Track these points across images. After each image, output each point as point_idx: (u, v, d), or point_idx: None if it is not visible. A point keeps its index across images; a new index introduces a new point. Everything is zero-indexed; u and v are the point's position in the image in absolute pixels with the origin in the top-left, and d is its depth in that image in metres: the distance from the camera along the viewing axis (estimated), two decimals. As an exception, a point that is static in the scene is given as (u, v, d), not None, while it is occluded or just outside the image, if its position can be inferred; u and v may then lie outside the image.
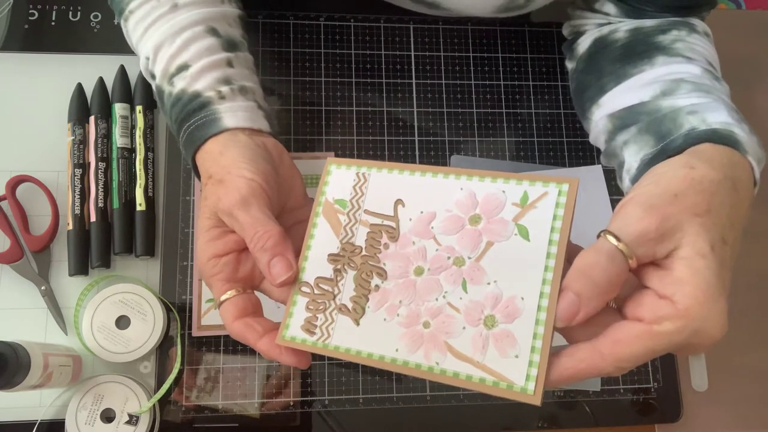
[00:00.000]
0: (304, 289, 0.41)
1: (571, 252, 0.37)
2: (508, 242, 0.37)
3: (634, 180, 0.48)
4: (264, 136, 0.47)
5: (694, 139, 0.43)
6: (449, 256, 0.38)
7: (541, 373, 0.34)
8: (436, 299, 0.38)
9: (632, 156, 0.50)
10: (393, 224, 0.41)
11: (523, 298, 0.35)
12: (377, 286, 0.39)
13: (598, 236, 0.36)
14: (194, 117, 0.47)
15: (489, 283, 0.37)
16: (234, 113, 0.46)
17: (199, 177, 0.48)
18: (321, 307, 0.40)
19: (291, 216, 0.46)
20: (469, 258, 0.38)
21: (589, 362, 0.34)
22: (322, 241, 0.42)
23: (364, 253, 0.40)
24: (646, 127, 0.49)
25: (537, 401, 0.34)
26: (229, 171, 0.43)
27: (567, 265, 0.35)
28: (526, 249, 0.37)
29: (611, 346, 0.34)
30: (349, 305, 0.39)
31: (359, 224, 0.41)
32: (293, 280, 0.41)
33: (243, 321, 0.41)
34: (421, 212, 0.40)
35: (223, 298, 0.42)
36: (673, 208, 0.35)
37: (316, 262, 0.41)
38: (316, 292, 0.41)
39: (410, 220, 0.40)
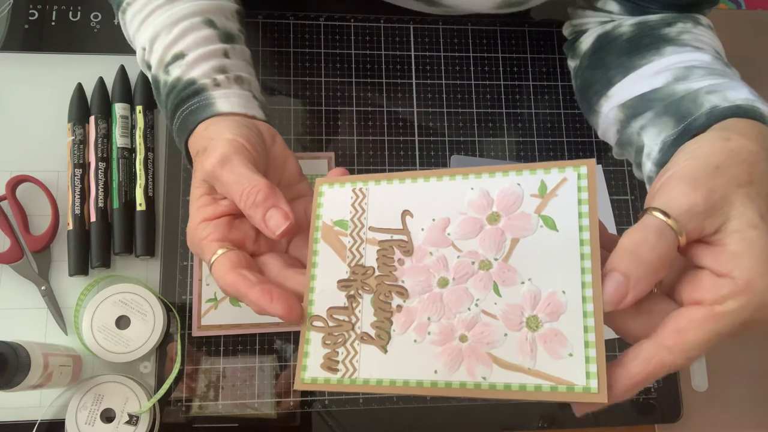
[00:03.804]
0: (316, 323, 0.38)
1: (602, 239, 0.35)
2: (535, 236, 0.35)
3: (658, 162, 0.47)
4: (257, 120, 0.47)
5: (717, 116, 0.42)
6: (473, 261, 0.36)
7: (601, 367, 0.32)
8: (468, 309, 0.35)
9: (652, 139, 0.48)
10: (404, 237, 0.38)
11: (564, 292, 0.33)
12: (399, 306, 0.36)
13: (642, 215, 0.34)
14: (188, 103, 0.47)
15: (523, 282, 0.34)
16: (228, 99, 0.46)
17: (191, 164, 0.47)
18: (340, 340, 0.37)
19: (287, 192, 0.45)
20: (496, 259, 0.35)
21: (658, 360, 0.32)
22: (327, 268, 0.39)
23: (377, 273, 0.37)
24: (663, 110, 0.48)
25: (603, 399, 0.31)
26: (211, 138, 0.43)
27: (602, 252, 0.34)
28: (556, 240, 0.34)
29: (675, 337, 0.32)
30: (372, 332, 0.36)
31: (366, 243, 0.38)
32: (293, 230, 0.39)
33: (237, 271, 0.38)
34: (433, 220, 0.37)
35: (213, 258, 0.39)
36: (717, 180, 0.34)
37: (324, 292, 0.38)
38: (330, 324, 0.37)
39: (422, 230, 0.37)
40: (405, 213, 0.38)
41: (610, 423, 0.64)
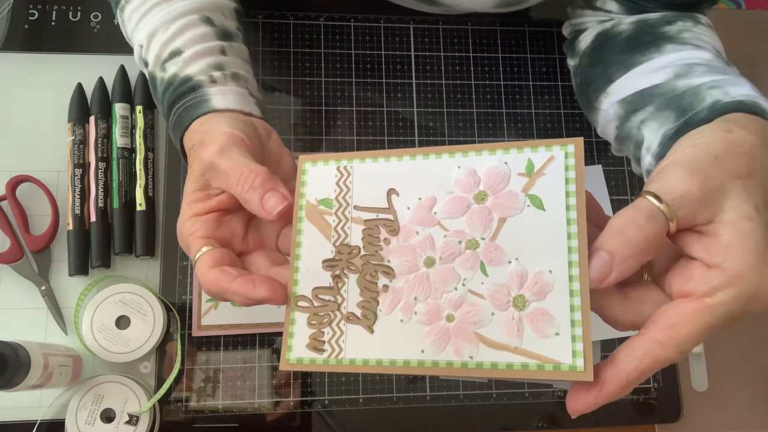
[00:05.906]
0: (301, 303, 0.37)
1: (592, 215, 0.34)
2: (522, 215, 0.35)
3: (657, 155, 0.47)
4: (253, 117, 0.47)
5: (719, 111, 0.42)
6: (460, 240, 0.35)
7: (587, 346, 0.32)
8: (455, 288, 0.35)
9: (652, 133, 0.48)
10: (390, 216, 0.37)
11: (551, 271, 0.33)
12: (386, 286, 0.36)
13: (636, 198, 0.34)
14: (184, 99, 0.47)
15: (510, 262, 0.34)
16: (224, 96, 0.46)
17: (186, 161, 0.47)
18: (325, 320, 0.36)
19: None
20: (483, 239, 0.35)
21: (651, 355, 0.32)
22: (311, 247, 0.38)
23: (363, 252, 0.37)
24: (665, 104, 0.48)
25: (589, 377, 0.31)
26: (208, 132, 0.43)
27: (593, 229, 0.34)
28: (543, 219, 0.34)
29: (667, 332, 0.32)
30: (358, 312, 0.36)
31: (351, 222, 0.38)
32: (290, 212, 0.38)
33: (219, 268, 0.38)
34: (419, 198, 0.37)
35: (198, 255, 0.39)
36: (715, 169, 0.34)
37: (309, 272, 0.38)
38: (316, 304, 0.37)
39: (408, 209, 0.37)
40: (391, 191, 0.38)
41: (610, 423, 0.64)
